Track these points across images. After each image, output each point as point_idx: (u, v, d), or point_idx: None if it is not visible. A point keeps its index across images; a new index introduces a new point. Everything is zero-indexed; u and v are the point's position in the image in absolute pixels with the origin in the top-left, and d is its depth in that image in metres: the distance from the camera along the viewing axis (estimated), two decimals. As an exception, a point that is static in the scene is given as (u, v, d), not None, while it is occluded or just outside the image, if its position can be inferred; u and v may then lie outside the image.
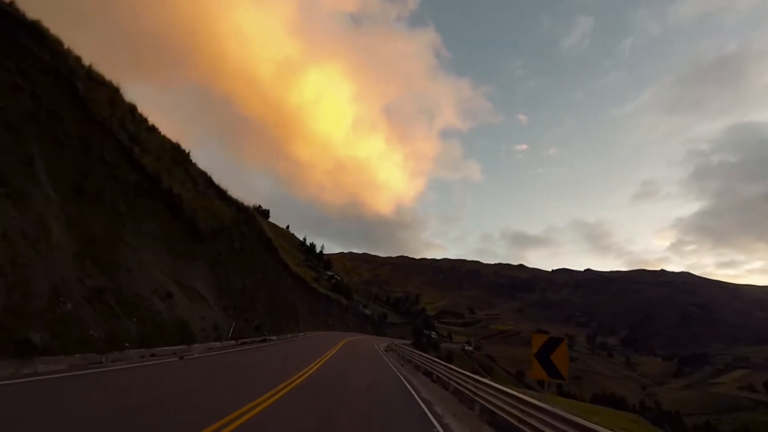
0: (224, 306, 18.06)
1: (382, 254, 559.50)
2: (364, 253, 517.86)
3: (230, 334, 16.56)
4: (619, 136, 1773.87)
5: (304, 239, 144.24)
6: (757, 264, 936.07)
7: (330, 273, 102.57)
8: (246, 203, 24.25)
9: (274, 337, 23.89)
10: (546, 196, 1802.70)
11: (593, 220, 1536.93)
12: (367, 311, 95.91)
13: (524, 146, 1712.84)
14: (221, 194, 20.92)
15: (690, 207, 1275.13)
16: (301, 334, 34.41)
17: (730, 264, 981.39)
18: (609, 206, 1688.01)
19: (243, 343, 16.96)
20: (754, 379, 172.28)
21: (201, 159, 23.15)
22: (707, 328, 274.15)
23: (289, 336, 28.75)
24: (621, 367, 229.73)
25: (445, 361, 56.74)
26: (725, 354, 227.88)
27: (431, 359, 16.51)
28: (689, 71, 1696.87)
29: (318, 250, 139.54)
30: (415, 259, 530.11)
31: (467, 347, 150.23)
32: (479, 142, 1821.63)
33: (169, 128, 20.69)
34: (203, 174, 20.20)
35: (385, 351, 32.02)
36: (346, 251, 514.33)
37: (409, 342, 72.93)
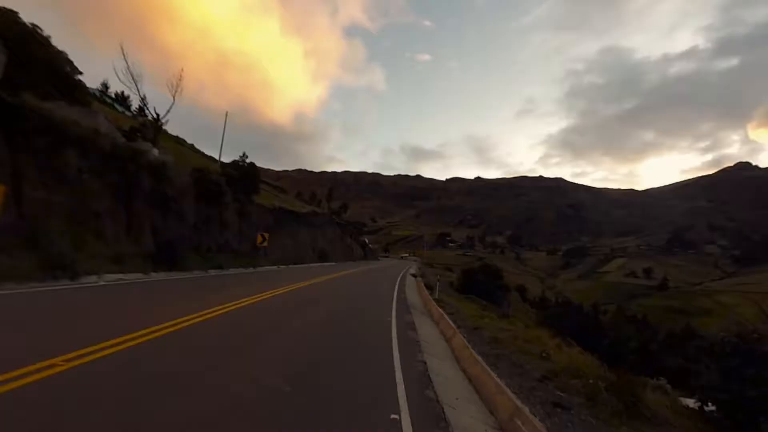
0: None
1: (277, 168, 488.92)
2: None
3: None
4: (512, 53, 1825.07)
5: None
6: (599, 174, 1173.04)
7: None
8: None
9: None
10: (443, 109, 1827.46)
11: (483, 134, 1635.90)
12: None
13: (427, 56, 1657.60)
14: None
15: (559, 124, 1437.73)
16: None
17: (581, 174, 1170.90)
18: (497, 121, 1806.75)
19: None
20: (632, 266, 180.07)
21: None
22: (578, 225, 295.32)
23: None
24: (514, 262, 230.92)
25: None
26: (598, 246, 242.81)
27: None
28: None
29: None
30: (315, 172, 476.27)
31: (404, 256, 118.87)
32: (384, 44, 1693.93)
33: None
34: None
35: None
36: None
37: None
